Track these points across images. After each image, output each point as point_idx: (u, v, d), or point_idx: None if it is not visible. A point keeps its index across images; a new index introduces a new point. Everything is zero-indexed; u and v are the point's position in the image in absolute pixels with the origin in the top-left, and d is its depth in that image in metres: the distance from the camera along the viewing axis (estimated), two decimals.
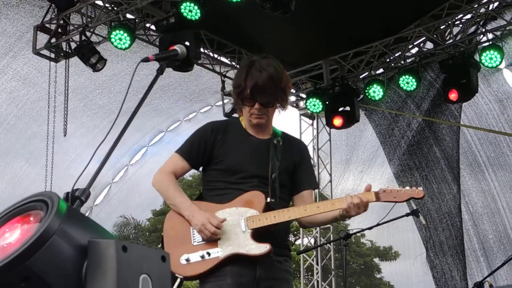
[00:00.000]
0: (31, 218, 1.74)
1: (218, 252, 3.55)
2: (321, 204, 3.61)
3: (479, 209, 11.62)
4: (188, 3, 8.41)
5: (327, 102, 10.70)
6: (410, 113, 11.40)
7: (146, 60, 3.45)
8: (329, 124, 10.82)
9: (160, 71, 3.75)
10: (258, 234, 3.57)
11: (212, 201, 3.74)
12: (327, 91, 10.71)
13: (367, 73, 11.08)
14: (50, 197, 1.75)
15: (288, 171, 3.79)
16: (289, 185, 3.82)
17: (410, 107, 11.50)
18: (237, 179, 3.72)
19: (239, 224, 3.58)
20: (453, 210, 11.57)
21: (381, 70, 11.02)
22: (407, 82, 10.19)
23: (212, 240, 3.56)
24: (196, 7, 8.41)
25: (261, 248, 3.53)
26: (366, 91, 10.53)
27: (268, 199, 3.63)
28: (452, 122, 11.14)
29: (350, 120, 10.60)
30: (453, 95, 9.83)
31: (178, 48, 3.64)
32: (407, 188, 3.56)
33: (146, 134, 11.73)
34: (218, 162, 3.79)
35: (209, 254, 3.54)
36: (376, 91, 10.47)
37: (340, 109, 10.59)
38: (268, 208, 3.63)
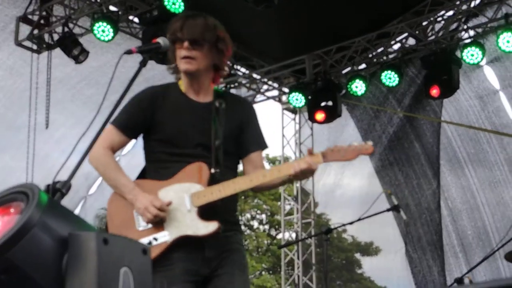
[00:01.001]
0: (12, 210, 1.74)
1: (165, 236, 3.35)
2: (267, 173, 3.42)
3: (458, 205, 11.69)
4: None
5: (309, 97, 10.72)
6: (391, 108, 11.45)
7: (129, 52, 3.41)
8: (312, 118, 10.84)
9: (142, 64, 3.73)
10: (205, 211, 3.37)
11: (155, 176, 3.53)
12: (310, 85, 10.72)
13: (349, 68, 11.10)
14: (31, 189, 1.75)
15: (233, 135, 3.58)
16: (236, 150, 3.61)
17: (391, 103, 11.54)
18: (179, 150, 3.52)
19: (184, 203, 3.38)
20: (432, 206, 11.64)
21: (363, 66, 11.05)
22: (389, 78, 10.24)
23: (157, 223, 3.36)
24: (179, 0, 8.39)
25: (209, 227, 3.34)
26: (348, 86, 10.57)
27: (213, 170, 3.44)
28: (433, 118, 11.20)
29: (332, 115, 10.63)
30: (434, 91, 9.88)
31: (161, 40, 3.62)
32: (355, 144, 3.36)
33: None
34: (158, 131, 3.58)
35: (156, 239, 3.34)
36: (358, 86, 10.51)
37: (323, 104, 10.60)
38: (213, 180, 3.42)
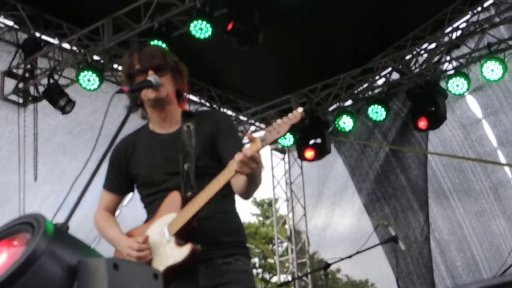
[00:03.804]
0: (17, 241, 1.70)
1: None
2: (220, 177, 3.24)
3: (446, 236, 11.62)
4: (155, 41, 8.42)
5: (297, 135, 10.73)
6: (378, 143, 11.48)
7: (120, 91, 3.44)
8: (301, 157, 10.84)
9: (134, 102, 3.73)
10: (183, 237, 3.29)
11: (147, 219, 3.54)
12: (297, 124, 10.70)
13: (336, 105, 11.16)
14: (36, 219, 1.71)
15: (207, 151, 3.48)
16: (216, 166, 3.42)
17: (377, 137, 11.59)
18: (157, 187, 3.50)
19: (164, 235, 3.33)
20: (420, 239, 11.57)
21: (349, 102, 11.11)
22: (376, 112, 10.30)
23: (148, 263, 3.30)
24: (164, 45, 8.42)
25: (183, 252, 3.25)
26: (336, 122, 10.61)
27: (189, 194, 3.36)
28: (418, 150, 11.24)
29: (321, 152, 10.64)
30: (422, 123, 9.93)
31: (152, 78, 3.62)
32: (284, 117, 3.17)
33: None
34: (137, 179, 3.62)
35: None
36: (346, 122, 10.56)
37: (311, 141, 10.61)
38: (186, 204, 3.34)
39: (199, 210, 3.29)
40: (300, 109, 3.19)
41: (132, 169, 3.64)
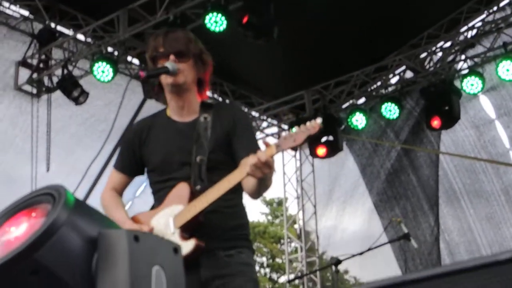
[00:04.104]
0: (38, 212, 1.69)
1: None
2: (231, 177, 3.26)
3: (455, 238, 11.54)
4: None
5: None
6: (390, 142, 11.43)
7: (137, 77, 3.44)
8: (313, 154, 10.81)
9: (151, 87, 3.74)
10: (189, 231, 3.29)
11: (154, 206, 3.53)
12: (309, 121, 10.69)
13: (349, 102, 11.12)
14: (57, 190, 1.70)
15: (221, 146, 3.46)
16: (229, 160, 3.44)
17: (390, 136, 11.53)
18: (167, 176, 3.49)
19: (169, 226, 3.32)
20: (429, 239, 11.50)
21: (363, 100, 11.07)
22: (390, 110, 10.24)
23: None
24: None
25: (188, 247, 3.22)
26: (348, 120, 10.57)
27: (198, 187, 3.36)
28: (430, 150, 11.18)
29: (333, 149, 10.60)
30: (435, 122, 9.87)
31: (169, 65, 3.60)
32: (302, 126, 3.16)
33: None
34: (148, 163, 3.60)
35: None
36: (358, 120, 10.51)
37: (324, 139, 10.57)
38: (194, 197, 3.34)
39: (207, 207, 3.29)
40: (319, 120, 3.18)
41: (145, 153, 3.62)
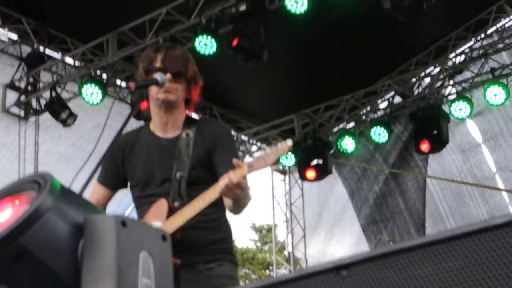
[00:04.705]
0: (23, 199, 1.66)
1: None
2: (206, 196, 3.27)
3: None
4: None
5: (299, 156, 10.69)
6: (378, 166, 11.46)
7: (127, 87, 3.44)
8: (302, 177, 10.80)
9: (140, 99, 3.73)
10: None
11: None
12: (299, 144, 10.71)
13: (338, 127, 11.15)
14: (42, 177, 1.67)
15: (202, 162, 3.45)
16: (210, 177, 3.40)
17: (378, 161, 11.57)
18: (148, 191, 3.50)
19: None
20: None
21: (352, 124, 11.10)
22: (379, 134, 10.26)
23: None
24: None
25: None
26: (338, 143, 10.57)
27: (176, 203, 3.36)
28: (417, 174, 11.21)
29: (323, 172, 10.60)
30: (424, 146, 9.91)
31: (159, 76, 3.60)
32: (273, 146, 3.22)
33: None
34: (131, 178, 3.60)
35: None
36: (348, 143, 10.52)
37: (313, 162, 10.58)
38: (172, 214, 3.34)
39: (183, 225, 3.29)
40: (290, 142, 3.24)
41: (128, 168, 3.62)
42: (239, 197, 3.23)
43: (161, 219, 3.33)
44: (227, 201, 3.36)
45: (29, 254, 1.54)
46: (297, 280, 1.22)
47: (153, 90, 3.54)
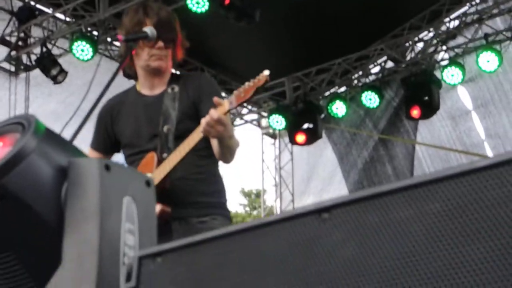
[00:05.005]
0: (6, 141, 1.64)
1: None
2: (190, 139, 3.27)
3: None
4: None
5: (290, 119, 10.68)
6: (368, 131, 11.46)
7: (114, 37, 3.44)
8: (292, 140, 10.79)
9: (129, 51, 3.71)
10: (157, 198, 3.30)
11: None
12: (290, 108, 10.69)
13: (329, 91, 11.12)
14: (26, 119, 1.65)
15: (189, 115, 3.46)
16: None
17: (368, 126, 11.56)
18: (137, 149, 3.55)
19: None
20: None
21: (343, 88, 11.07)
22: (370, 99, 10.26)
23: None
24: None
25: None
26: (328, 107, 10.56)
27: (165, 155, 3.39)
28: (406, 140, 11.22)
29: (313, 136, 10.59)
30: (415, 112, 9.90)
31: (149, 30, 3.58)
32: (251, 80, 3.17)
33: None
34: (121, 139, 3.65)
35: None
36: (338, 108, 10.51)
37: (304, 126, 10.56)
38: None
39: (170, 172, 3.31)
40: (266, 72, 3.20)
41: (117, 130, 3.67)
42: (223, 136, 3.22)
43: (150, 170, 3.35)
44: (215, 146, 3.37)
45: (11, 195, 1.53)
46: (279, 222, 1.22)
47: (143, 55, 3.57)
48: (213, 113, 3.11)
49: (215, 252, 1.26)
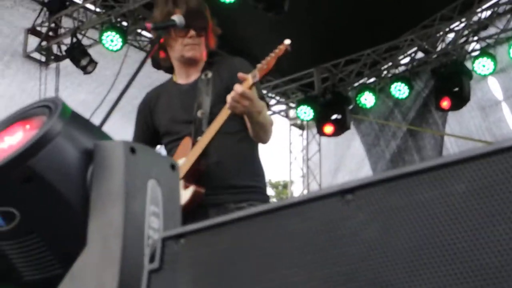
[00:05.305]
0: (33, 123, 1.66)
1: None
2: (219, 117, 3.30)
3: None
4: None
5: (318, 110, 10.64)
6: (396, 122, 11.37)
7: (144, 28, 3.48)
8: (320, 131, 10.76)
9: (157, 40, 3.74)
10: (191, 180, 3.28)
11: None
12: (318, 99, 10.65)
13: (358, 82, 11.05)
14: (53, 102, 1.67)
15: (222, 99, 3.35)
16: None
17: (397, 117, 11.48)
18: (175, 136, 3.57)
19: None
20: None
21: (372, 79, 11.00)
22: (399, 90, 10.18)
23: None
24: None
25: (186, 194, 3.23)
26: (357, 98, 10.50)
27: (198, 138, 3.39)
28: (435, 131, 11.11)
29: (341, 128, 10.55)
30: (445, 103, 9.81)
31: (177, 18, 3.60)
32: (273, 51, 3.20)
33: None
34: (159, 129, 3.69)
35: None
36: (367, 99, 10.46)
37: (332, 117, 10.52)
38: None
39: (203, 154, 3.31)
40: (287, 41, 3.24)
41: (155, 120, 3.71)
42: (250, 111, 3.21)
43: (186, 154, 3.37)
44: (249, 127, 3.36)
45: (38, 177, 1.54)
46: (302, 204, 1.21)
47: (177, 46, 3.61)
48: (237, 88, 3.13)
49: (238, 233, 1.25)
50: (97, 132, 1.69)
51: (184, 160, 3.35)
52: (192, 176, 3.30)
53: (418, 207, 1.08)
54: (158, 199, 1.60)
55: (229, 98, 3.17)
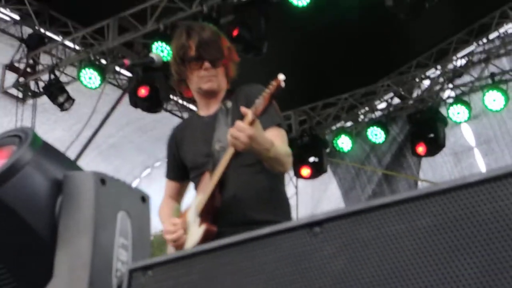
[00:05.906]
0: (3, 153, 1.64)
1: None
2: (221, 163, 3.16)
3: None
4: (159, 43, 8.38)
5: (295, 153, 10.63)
6: (372, 167, 11.44)
7: (121, 64, 3.44)
8: (297, 174, 10.75)
9: (135, 77, 3.74)
10: (207, 218, 3.18)
11: None
12: (295, 141, 10.67)
13: (335, 126, 11.12)
14: (24, 131, 1.65)
15: None
16: None
17: (372, 162, 11.55)
18: (200, 171, 3.44)
19: (194, 215, 3.26)
20: None
21: (349, 123, 11.07)
22: (376, 134, 10.25)
23: (181, 243, 3.25)
24: (168, 47, 8.36)
25: (199, 232, 3.13)
26: (334, 142, 10.55)
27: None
28: (409, 176, 11.18)
29: (318, 170, 10.54)
30: (420, 149, 9.88)
31: (155, 56, 3.61)
32: (267, 87, 3.04)
33: (134, 169, 11.20)
34: (187, 164, 3.56)
35: None
36: (344, 142, 10.50)
37: (309, 160, 10.53)
38: None
39: (220, 187, 3.18)
40: (281, 76, 3.03)
41: (182, 156, 3.60)
42: (253, 149, 3.02)
43: (205, 191, 3.23)
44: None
45: (5, 207, 1.52)
46: (271, 236, 1.21)
47: (194, 78, 3.46)
48: (238, 124, 2.97)
49: (204, 265, 1.24)
50: (68, 163, 1.67)
51: (202, 196, 3.25)
52: (208, 213, 3.21)
53: (385, 240, 1.09)
54: (128, 231, 1.58)
55: (231, 136, 3.00)
